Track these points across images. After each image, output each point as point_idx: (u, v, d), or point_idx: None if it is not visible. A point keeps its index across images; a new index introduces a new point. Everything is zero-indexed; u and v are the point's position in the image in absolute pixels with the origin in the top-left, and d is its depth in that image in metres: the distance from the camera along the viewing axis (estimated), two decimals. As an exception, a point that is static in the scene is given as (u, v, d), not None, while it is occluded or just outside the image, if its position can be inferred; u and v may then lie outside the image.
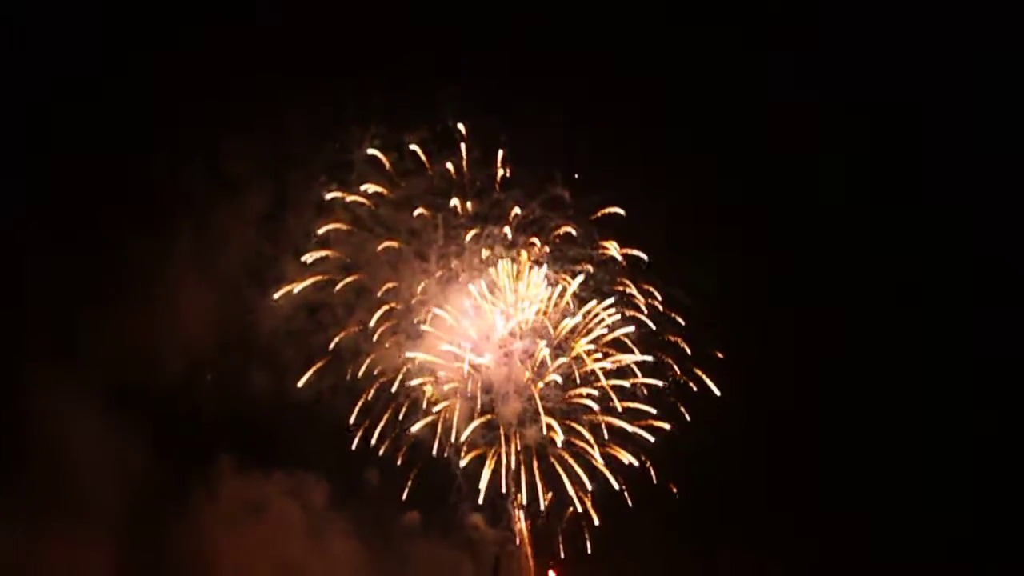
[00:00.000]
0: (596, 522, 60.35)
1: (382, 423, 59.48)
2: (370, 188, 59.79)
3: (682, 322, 61.11)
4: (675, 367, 61.19)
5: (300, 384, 58.60)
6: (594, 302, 61.22)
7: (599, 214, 61.17)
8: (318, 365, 58.90)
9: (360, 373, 59.15)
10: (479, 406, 59.96)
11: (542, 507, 60.37)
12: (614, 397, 60.15)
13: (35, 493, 55.21)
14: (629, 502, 60.23)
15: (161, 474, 57.49)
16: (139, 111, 58.88)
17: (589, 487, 60.13)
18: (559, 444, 59.97)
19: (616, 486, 59.95)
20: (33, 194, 57.82)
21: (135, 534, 56.94)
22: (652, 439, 59.89)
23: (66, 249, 56.86)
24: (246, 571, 58.86)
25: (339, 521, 60.79)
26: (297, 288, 59.26)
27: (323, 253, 59.73)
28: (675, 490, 60.90)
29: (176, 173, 58.68)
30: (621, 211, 61.26)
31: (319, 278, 59.51)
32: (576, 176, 61.12)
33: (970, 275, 64.83)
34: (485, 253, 60.12)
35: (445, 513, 61.09)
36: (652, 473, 60.49)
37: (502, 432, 60.06)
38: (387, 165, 59.86)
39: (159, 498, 57.56)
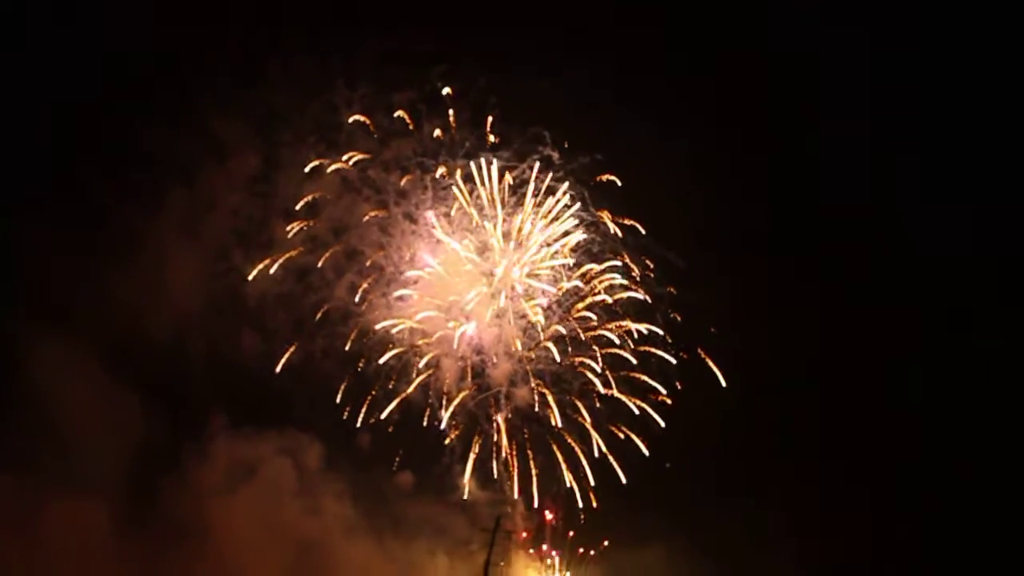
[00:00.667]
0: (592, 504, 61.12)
1: (375, 390, 59.93)
2: (358, 150, 59.77)
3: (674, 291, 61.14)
4: (668, 338, 61.20)
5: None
6: (591, 266, 61.34)
7: (595, 181, 60.98)
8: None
9: (351, 337, 59.50)
10: (470, 369, 60.43)
11: (533, 476, 61.07)
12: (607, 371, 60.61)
13: (30, 453, 55.62)
14: (623, 478, 60.59)
15: (154, 433, 58.02)
16: (128, 75, 58.87)
17: (584, 462, 60.65)
18: (554, 418, 60.56)
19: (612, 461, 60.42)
20: (25, 160, 58.18)
21: (129, 491, 57.66)
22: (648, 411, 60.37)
23: (59, 214, 57.28)
24: (239, 528, 59.23)
25: (332, 482, 61.41)
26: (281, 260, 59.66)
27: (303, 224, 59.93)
28: (667, 465, 61.39)
29: (166, 137, 58.62)
30: (616, 179, 61.07)
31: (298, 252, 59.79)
32: (566, 144, 60.67)
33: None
34: (474, 212, 60.05)
35: (437, 475, 61.60)
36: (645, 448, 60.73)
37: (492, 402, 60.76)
38: (374, 128, 59.87)
39: (152, 456, 58.22)
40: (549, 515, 64.24)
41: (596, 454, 60.47)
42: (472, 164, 59.65)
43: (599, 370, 60.47)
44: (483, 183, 59.98)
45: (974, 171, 65.78)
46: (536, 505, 62.57)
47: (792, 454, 63.84)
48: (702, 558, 62.69)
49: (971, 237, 65.15)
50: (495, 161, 59.73)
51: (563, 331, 60.99)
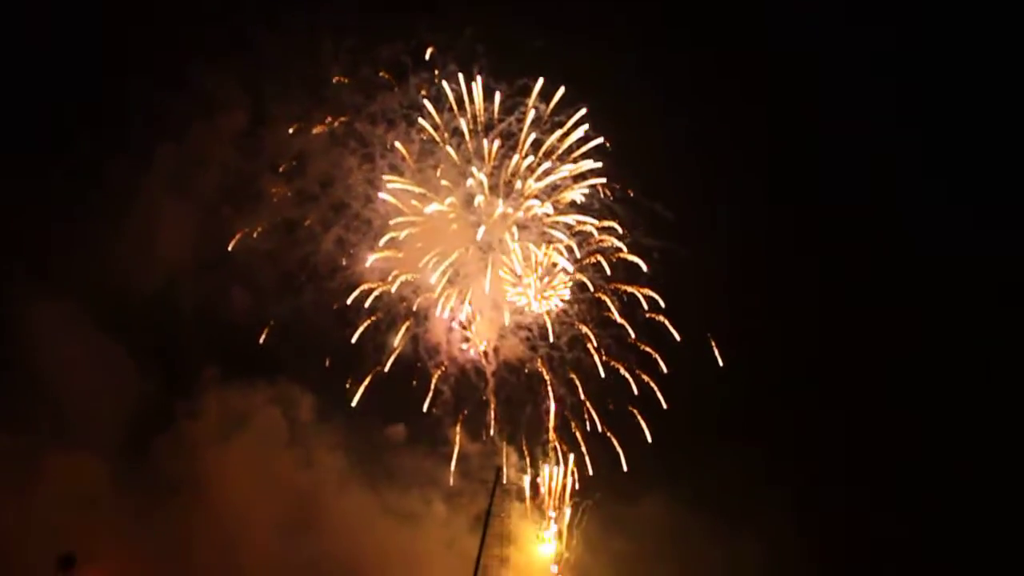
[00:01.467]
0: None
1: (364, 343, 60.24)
2: (344, 105, 59.78)
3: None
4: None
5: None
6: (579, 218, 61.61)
7: (581, 150, 60.73)
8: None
9: (340, 291, 59.81)
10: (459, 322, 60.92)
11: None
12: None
13: (25, 411, 56.72)
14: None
15: (148, 389, 59.20)
16: (115, 30, 58.92)
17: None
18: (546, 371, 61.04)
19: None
20: (12, 116, 58.45)
21: (124, 447, 58.69)
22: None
23: (47, 170, 58.05)
24: (233, 480, 59.93)
25: (324, 433, 62.12)
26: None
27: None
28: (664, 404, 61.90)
29: (154, 94, 58.97)
30: (604, 141, 60.77)
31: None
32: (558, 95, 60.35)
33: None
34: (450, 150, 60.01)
35: (428, 427, 62.09)
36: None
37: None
38: (359, 82, 59.60)
39: (146, 412, 59.21)
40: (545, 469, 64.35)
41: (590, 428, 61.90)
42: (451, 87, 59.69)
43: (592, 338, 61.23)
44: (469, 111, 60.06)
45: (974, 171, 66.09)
46: (528, 458, 63.39)
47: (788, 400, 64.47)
48: (697, 509, 63.16)
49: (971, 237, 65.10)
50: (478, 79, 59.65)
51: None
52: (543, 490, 63.96)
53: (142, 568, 57.04)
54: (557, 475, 63.46)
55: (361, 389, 59.83)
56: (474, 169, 59.55)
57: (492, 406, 61.62)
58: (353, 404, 60.02)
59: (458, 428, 62.00)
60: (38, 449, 56.73)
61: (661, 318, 61.08)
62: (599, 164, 60.49)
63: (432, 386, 60.76)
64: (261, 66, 59.28)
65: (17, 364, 56.60)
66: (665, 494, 63.82)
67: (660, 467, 62.89)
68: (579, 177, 61.05)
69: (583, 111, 59.93)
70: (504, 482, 63.01)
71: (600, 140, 60.38)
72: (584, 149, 60.64)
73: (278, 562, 58.85)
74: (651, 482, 63.46)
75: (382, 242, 59.44)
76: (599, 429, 61.88)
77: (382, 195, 59.39)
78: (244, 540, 59.15)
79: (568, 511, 63.93)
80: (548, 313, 61.08)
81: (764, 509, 62.50)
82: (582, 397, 61.45)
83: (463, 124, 59.87)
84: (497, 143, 60.17)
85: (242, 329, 59.78)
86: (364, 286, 59.83)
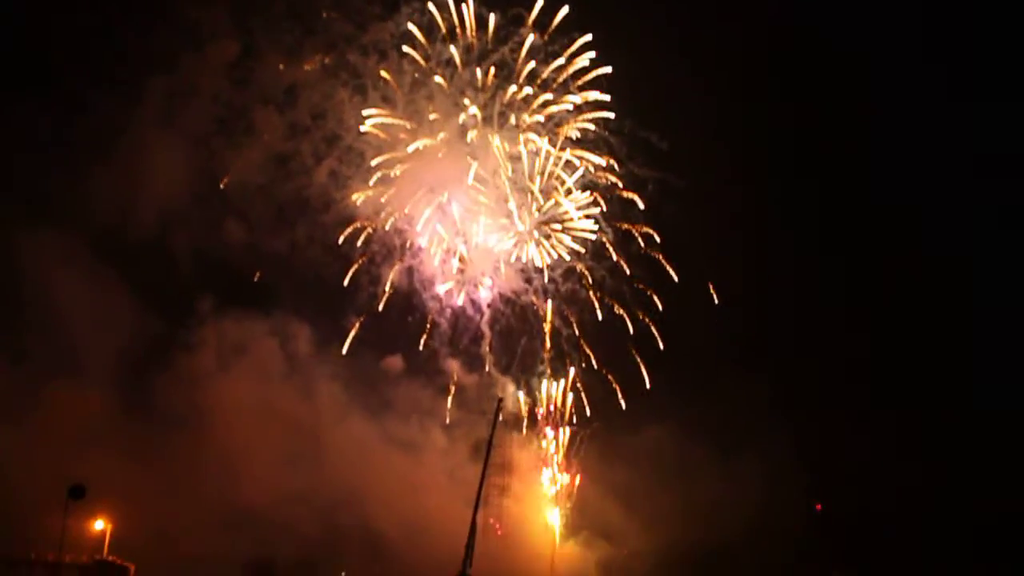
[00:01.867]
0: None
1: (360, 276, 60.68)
2: (336, 35, 58.73)
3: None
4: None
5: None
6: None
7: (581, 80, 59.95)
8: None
9: (334, 223, 59.82)
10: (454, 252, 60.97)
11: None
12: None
13: (21, 337, 57.30)
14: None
15: (145, 322, 59.16)
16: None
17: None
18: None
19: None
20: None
21: (122, 378, 59.22)
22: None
23: (35, 104, 57.15)
24: (232, 412, 60.47)
25: (323, 364, 62.25)
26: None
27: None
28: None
29: (141, 26, 58.07)
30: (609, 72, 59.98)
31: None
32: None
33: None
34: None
35: (425, 358, 62.45)
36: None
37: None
38: (351, 11, 58.51)
39: (144, 344, 59.46)
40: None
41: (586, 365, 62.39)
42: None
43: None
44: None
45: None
46: (524, 390, 63.96)
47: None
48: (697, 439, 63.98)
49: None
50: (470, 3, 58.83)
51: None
52: (541, 417, 64.44)
53: (145, 498, 57.17)
54: (558, 391, 64.04)
55: (351, 335, 60.70)
56: (467, 101, 59.01)
57: (488, 339, 62.09)
58: (343, 351, 60.85)
59: (454, 362, 62.73)
60: (37, 378, 57.19)
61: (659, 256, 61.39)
62: (606, 97, 59.84)
63: (428, 320, 61.37)
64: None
65: (12, 294, 56.94)
66: (663, 427, 64.48)
67: (658, 403, 63.63)
68: (580, 109, 60.43)
69: (588, 37, 59.06)
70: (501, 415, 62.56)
71: (607, 69, 59.58)
72: (585, 79, 59.97)
73: (280, 491, 59.27)
74: (648, 417, 64.29)
75: (372, 181, 59.40)
76: (595, 366, 62.70)
77: (365, 128, 59.04)
78: (245, 469, 59.63)
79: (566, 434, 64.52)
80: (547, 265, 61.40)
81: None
82: (577, 333, 61.98)
83: (455, 54, 59.03)
84: (492, 71, 59.44)
85: (238, 262, 60.09)
86: (357, 224, 60.00)
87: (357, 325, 60.57)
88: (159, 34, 57.90)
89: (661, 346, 62.23)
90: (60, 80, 57.42)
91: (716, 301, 61.80)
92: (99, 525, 55.82)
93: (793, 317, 66.05)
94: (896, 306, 65.75)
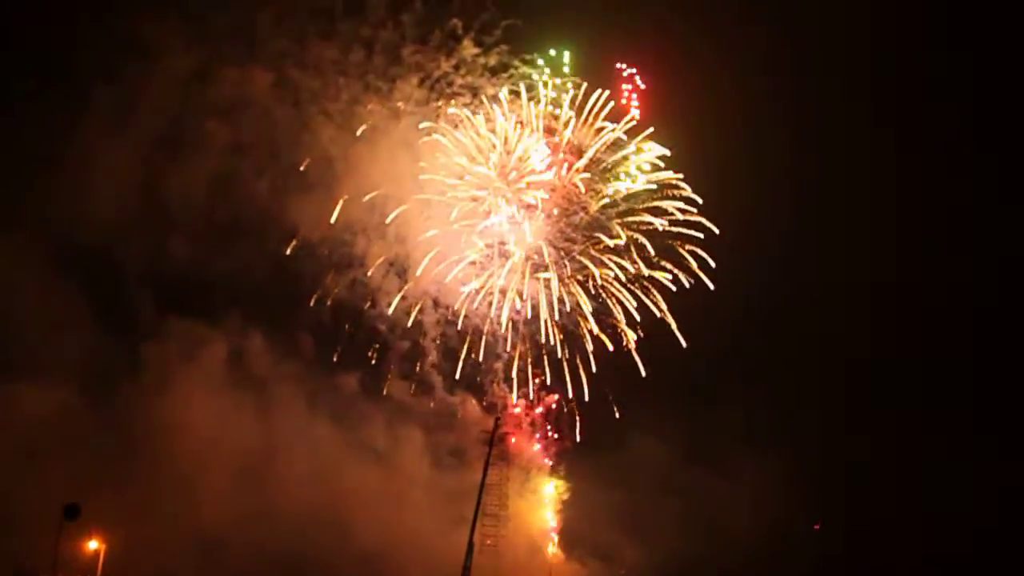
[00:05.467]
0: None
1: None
2: (278, 51, 60.03)
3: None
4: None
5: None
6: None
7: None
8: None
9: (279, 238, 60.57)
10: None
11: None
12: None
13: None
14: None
15: (98, 330, 59.53)
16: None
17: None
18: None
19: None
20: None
21: (77, 386, 58.74)
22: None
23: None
24: (187, 427, 60.07)
25: (278, 380, 62.49)
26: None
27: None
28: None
29: (95, 39, 58.70)
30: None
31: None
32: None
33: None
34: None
35: (379, 374, 62.82)
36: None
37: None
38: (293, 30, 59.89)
39: (99, 354, 59.51)
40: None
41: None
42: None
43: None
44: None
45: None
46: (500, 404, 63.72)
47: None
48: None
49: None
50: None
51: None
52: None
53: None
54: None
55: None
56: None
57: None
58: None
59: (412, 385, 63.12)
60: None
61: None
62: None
63: (380, 335, 62.12)
64: (193, 16, 59.43)
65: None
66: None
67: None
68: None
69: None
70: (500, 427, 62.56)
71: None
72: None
73: (238, 508, 58.51)
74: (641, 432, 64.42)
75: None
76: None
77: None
78: (204, 487, 59.27)
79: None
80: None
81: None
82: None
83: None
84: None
85: (187, 276, 60.65)
86: (300, 231, 60.73)
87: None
88: (107, 46, 58.46)
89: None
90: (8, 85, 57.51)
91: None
92: (93, 545, 54.61)
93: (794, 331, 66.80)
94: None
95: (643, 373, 61.08)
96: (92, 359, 58.91)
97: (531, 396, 62.97)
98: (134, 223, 60.10)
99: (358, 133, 60.21)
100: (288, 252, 60.48)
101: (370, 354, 61.89)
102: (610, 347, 60.93)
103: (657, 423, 63.08)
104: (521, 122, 59.89)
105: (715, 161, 62.00)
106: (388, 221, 60.11)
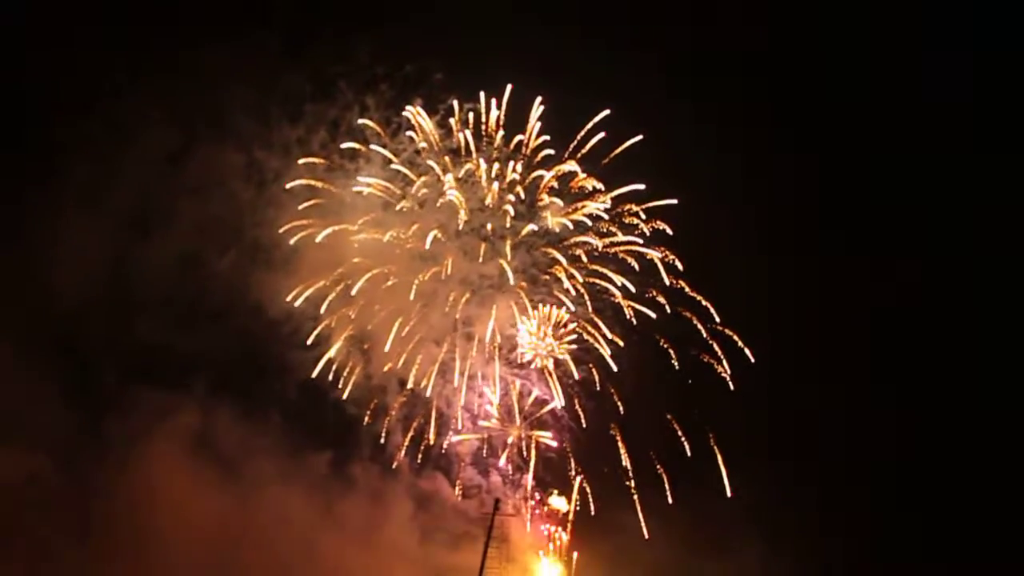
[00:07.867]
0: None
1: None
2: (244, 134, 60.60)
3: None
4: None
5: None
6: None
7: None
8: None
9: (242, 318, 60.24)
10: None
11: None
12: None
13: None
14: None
15: (68, 402, 59.52)
16: (37, 55, 61.06)
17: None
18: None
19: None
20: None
21: (50, 464, 58.76)
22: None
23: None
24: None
25: (251, 460, 61.30)
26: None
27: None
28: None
29: (73, 117, 60.57)
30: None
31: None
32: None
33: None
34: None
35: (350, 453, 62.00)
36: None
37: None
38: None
39: (70, 430, 59.48)
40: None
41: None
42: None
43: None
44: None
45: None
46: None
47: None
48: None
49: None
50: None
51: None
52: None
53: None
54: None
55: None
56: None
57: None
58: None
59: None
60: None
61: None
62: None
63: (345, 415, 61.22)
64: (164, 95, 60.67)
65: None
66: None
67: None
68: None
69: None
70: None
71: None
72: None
73: None
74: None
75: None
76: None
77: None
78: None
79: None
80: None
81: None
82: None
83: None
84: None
85: (158, 351, 60.62)
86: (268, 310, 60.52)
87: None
88: (83, 128, 60.01)
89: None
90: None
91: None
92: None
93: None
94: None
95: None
96: (58, 431, 58.96)
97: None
98: (101, 303, 60.56)
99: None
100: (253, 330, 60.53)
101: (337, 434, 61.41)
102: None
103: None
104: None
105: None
106: (353, 293, 60.10)
